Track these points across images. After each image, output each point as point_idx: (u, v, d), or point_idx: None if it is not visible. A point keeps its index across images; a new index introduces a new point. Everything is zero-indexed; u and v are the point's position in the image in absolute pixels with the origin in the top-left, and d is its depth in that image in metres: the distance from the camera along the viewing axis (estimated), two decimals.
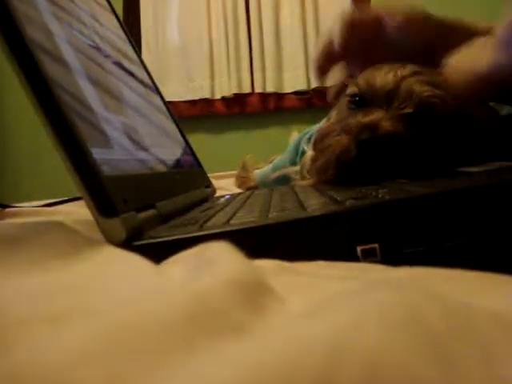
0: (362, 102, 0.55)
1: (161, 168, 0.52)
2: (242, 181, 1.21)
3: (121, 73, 0.56)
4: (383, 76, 0.54)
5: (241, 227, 0.32)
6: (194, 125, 2.55)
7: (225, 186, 1.15)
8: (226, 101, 2.58)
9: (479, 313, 0.14)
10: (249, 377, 0.11)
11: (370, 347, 0.11)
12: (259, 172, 1.14)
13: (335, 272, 0.24)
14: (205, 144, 2.47)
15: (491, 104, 0.57)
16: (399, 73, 0.53)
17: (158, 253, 0.29)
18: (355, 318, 0.13)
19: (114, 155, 0.39)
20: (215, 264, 0.18)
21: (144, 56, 2.53)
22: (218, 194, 0.78)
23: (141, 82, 0.65)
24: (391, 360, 0.11)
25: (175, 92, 2.57)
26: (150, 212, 0.38)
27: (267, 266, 0.24)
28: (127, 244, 0.32)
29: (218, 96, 2.58)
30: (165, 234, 0.33)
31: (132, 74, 0.61)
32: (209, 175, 0.80)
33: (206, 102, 2.59)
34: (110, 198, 0.32)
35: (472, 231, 0.31)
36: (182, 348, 0.13)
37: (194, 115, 2.58)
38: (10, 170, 2.65)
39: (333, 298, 0.15)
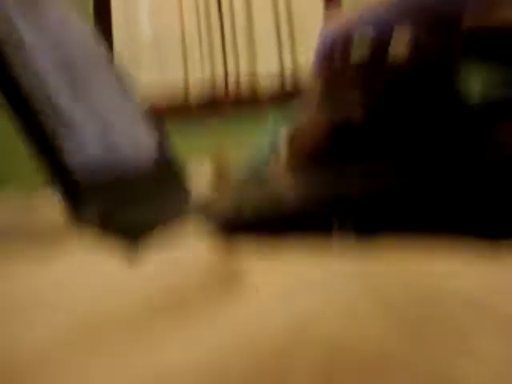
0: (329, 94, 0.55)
1: (133, 154, 0.52)
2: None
3: (90, 60, 0.55)
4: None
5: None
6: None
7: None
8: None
9: (450, 297, 0.14)
10: (204, 361, 0.11)
11: (332, 332, 0.11)
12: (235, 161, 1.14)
13: (310, 257, 0.24)
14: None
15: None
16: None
17: (133, 237, 0.28)
18: (321, 305, 0.13)
19: (81, 141, 0.38)
20: (185, 249, 0.18)
21: (116, 47, 2.50)
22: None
23: (111, 71, 0.64)
24: (352, 345, 0.11)
25: (148, 84, 2.54)
26: (122, 195, 0.37)
27: (241, 249, 0.24)
28: (100, 229, 0.32)
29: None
30: (139, 217, 0.33)
31: (101, 62, 0.61)
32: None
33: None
34: (78, 185, 0.32)
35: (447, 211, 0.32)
36: (143, 341, 0.13)
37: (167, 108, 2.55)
38: None
39: (302, 286, 0.15)
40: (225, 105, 2.59)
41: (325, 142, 0.50)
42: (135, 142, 0.57)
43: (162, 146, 0.74)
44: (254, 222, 0.31)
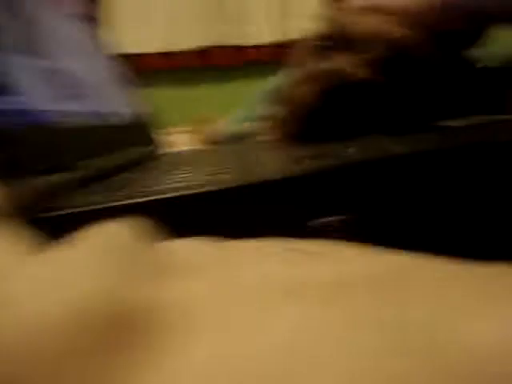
0: (330, 45, 0.49)
1: (89, 121, 0.45)
2: (201, 136, 1.16)
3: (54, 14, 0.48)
4: (353, 18, 0.47)
5: (167, 195, 0.25)
6: (156, 78, 2.47)
7: (181, 141, 1.10)
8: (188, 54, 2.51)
9: None
10: None
11: None
12: (221, 126, 1.09)
13: (286, 262, 0.15)
14: (165, 98, 2.41)
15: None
16: (371, 15, 0.47)
17: (66, 225, 0.23)
18: None
19: (25, 104, 0.32)
20: (83, 272, 0.11)
21: None
22: (171, 149, 0.73)
23: (81, 27, 0.57)
24: None
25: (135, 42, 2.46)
26: (64, 175, 0.31)
27: (183, 251, 0.16)
28: (32, 214, 0.26)
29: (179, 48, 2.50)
30: (76, 204, 0.26)
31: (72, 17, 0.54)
32: (165, 130, 0.75)
33: (166, 55, 2.51)
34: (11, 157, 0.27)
35: (459, 192, 0.27)
36: None
37: (156, 68, 2.50)
38: None
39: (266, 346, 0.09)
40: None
41: (319, 99, 0.44)
42: (104, 97, 0.50)
43: (132, 103, 0.67)
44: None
